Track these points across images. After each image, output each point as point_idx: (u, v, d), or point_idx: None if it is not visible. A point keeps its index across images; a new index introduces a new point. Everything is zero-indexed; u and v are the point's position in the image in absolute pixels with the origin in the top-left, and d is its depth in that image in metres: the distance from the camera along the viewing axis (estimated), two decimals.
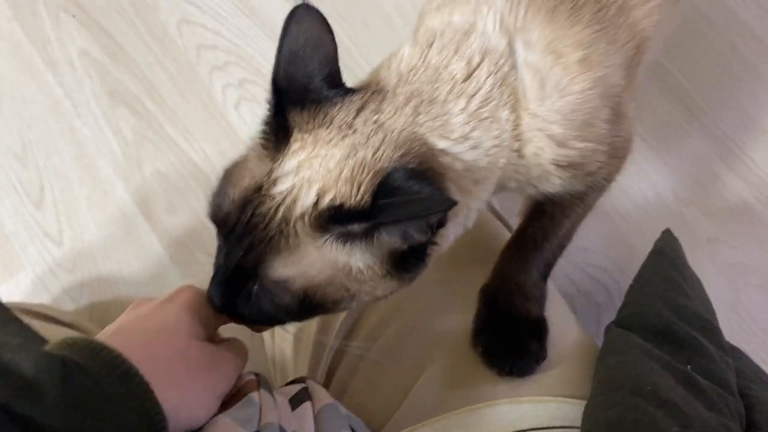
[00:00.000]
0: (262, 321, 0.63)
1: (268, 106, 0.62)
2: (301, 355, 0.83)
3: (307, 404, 0.64)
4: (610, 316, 1.19)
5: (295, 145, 0.60)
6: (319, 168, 0.58)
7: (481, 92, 0.62)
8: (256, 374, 0.64)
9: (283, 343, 0.87)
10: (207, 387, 0.55)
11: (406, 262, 0.60)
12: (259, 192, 0.59)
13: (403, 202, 0.55)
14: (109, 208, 1.32)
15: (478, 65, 0.62)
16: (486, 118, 0.62)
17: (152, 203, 1.32)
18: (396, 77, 0.63)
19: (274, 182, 0.59)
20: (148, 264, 1.29)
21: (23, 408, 0.40)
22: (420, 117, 0.60)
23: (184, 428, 0.52)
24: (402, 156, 0.58)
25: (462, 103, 0.61)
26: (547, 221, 0.77)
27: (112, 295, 1.28)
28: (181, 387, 0.51)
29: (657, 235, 0.81)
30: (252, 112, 1.36)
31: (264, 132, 0.63)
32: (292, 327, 0.67)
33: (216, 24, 1.41)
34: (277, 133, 0.61)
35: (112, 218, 1.32)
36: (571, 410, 0.67)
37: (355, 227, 0.56)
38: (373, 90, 0.62)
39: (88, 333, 0.95)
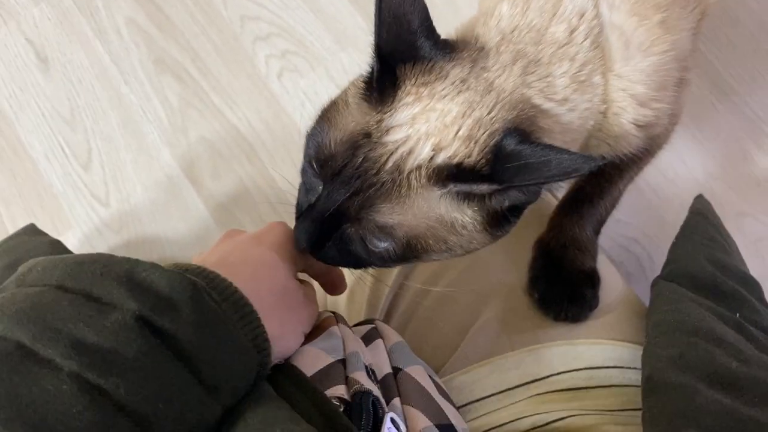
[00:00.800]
0: (346, 263, 0.64)
1: (369, 68, 0.62)
2: (356, 301, 0.87)
3: (379, 341, 0.67)
4: (641, 285, 1.24)
5: (407, 98, 0.60)
6: (436, 122, 0.58)
7: (580, 55, 0.63)
8: (333, 312, 0.68)
9: None
10: (299, 321, 0.59)
11: (503, 219, 0.62)
12: (369, 138, 0.59)
13: (532, 165, 0.55)
14: (154, 172, 1.37)
15: (576, 28, 0.64)
16: (583, 81, 0.64)
17: (197, 168, 1.36)
18: (498, 35, 0.64)
19: (387, 131, 0.59)
20: (193, 227, 1.33)
21: (162, 321, 0.43)
22: (528, 77, 0.61)
23: (276, 358, 0.56)
24: (514, 117, 0.59)
25: (565, 65, 0.63)
26: (604, 181, 0.81)
27: (158, 256, 1.33)
28: (279, 320, 0.54)
29: (687, 207, 0.84)
30: (294, 82, 1.40)
31: (365, 87, 0.63)
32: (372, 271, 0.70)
33: None
34: (383, 85, 0.61)
35: (158, 182, 1.36)
36: (625, 352, 0.71)
37: (483, 187, 0.57)
38: (478, 47, 0.63)
39: None
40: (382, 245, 0.60)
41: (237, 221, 1.32)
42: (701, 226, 0.81)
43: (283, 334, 0.56)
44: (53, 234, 1.35)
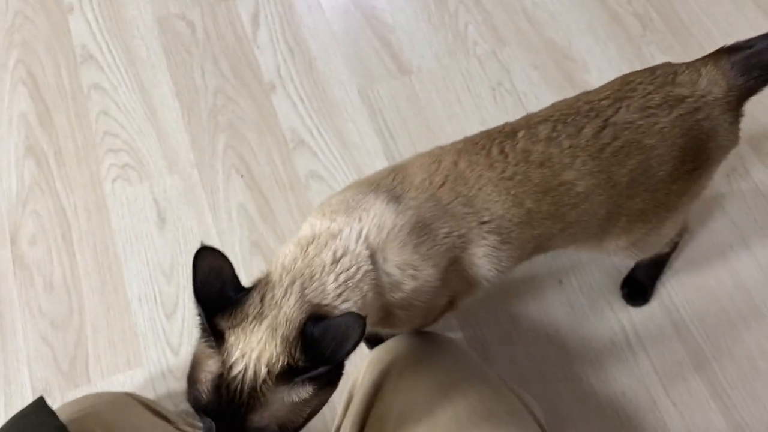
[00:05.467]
0: None
1: (199, 321, 0.84)
2: None
3: None
4: None
5: (231, 339, 0.83)
6: (258, 348, 0.81)
7: (345, 273, 0.90)
8: None
9: None
10: None
11: (331, 378, 0.85)
12: (221, 378, 0.81)
13: (336, 340, 0.79)
14: None
15: (342, 256, 0.90)
16: (352, 286, 0.90)
17: None
18: (281, 269, 0.89)
19: (230, 368, 0.82)
20: None
21: None
22: (306, 290, 0.86)
23: None
24: (304, 317, 0.84)
25: (332, 277, 0.89)
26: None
27: None
28: None
29: None
30: None
31: (204, 338, 0.86)
32: None
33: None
34: (215, 335, 0.83)
35: None
36: None
37: (316, 371, 0.80)
38: (265, 282, 0.87)
39: None
40: None
41: None
42: None
43: None
44: (125, 368, 1.56)
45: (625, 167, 1.01)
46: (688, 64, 1.07)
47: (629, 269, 1.60)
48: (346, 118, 1.87)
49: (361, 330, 0.77)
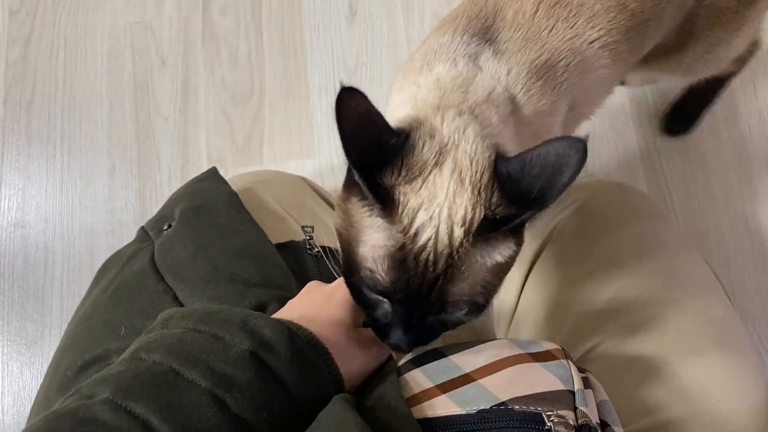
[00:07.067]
0: (439, 334, 0.72)
1: (359, 182, 0.64)
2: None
3: (590, 391, 0.70)
4: None
5: (409, 199, 0.65)
6: (446, 202, 0.65)
7: (500, 108, 0.75)
8: (562, 347, 0.72)
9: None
10: (361, 362, 0.71)
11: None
12: (404, 249, 0.65)
13: (545, 174, 0.61)
14: None
15: (491, 92, 0.75)
16: (507, 125, 0.75)
17: None
18: (428, 107, 0.72)
19: (415, 236, 0.65)
20: None
21: (266, 356, 0.59)
22: (475, 125, 0.70)
23: (348, 381, 0.68)
24: (489, 157, 0.67)
25: (493, 111, 0.73)
26: None
27: None
28: (343, 361, 0.67)
29: None
30: None
31: (366, 204, 0.67)
32: None
33: None
34: (380, 199, 0.65)
35: None
36: None
37: (521, 218, 0.63)
38: (418, 123, 0.69)
39: None
40: (464, 310, 0.68)
41: None
42: None
43: (351, 366, 0.69)
44: (297, 156, 1.56)
45: None
46: None
47: (678, 98, 1.52)
48: None
49: (582, 155, 0.59)
